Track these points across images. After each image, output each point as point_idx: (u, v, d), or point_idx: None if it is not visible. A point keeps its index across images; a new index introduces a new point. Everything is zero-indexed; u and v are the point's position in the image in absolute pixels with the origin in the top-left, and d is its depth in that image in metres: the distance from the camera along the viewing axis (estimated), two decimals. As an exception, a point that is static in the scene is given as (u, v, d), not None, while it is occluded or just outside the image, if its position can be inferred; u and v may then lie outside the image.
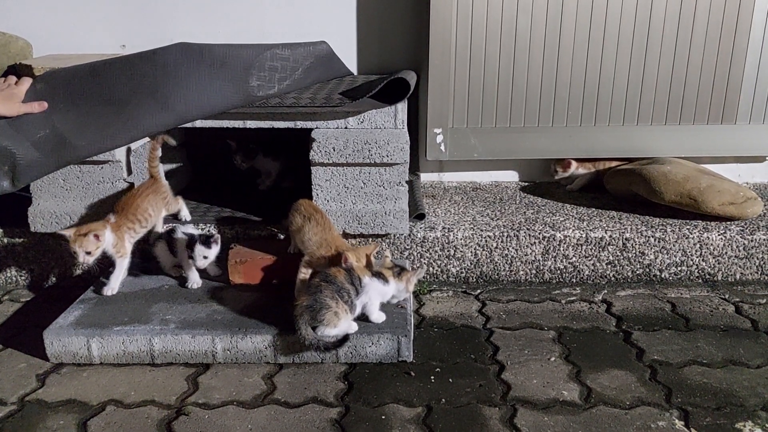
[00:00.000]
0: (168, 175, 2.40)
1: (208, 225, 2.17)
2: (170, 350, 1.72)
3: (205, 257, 1.91)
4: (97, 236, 1.80)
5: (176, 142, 2.04)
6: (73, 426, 1.50)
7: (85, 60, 1.94)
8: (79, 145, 1.78)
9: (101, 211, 1.98)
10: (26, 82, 1.74)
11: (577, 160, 2.56)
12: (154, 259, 2.05)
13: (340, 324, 1.67)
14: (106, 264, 1.94)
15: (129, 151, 2.09)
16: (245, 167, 2.47)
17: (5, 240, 2.19)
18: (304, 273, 1.84)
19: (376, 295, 1.73)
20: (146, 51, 1.88)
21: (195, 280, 1.97)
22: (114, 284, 1.92)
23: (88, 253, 1.79)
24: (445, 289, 2.17)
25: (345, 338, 1.66)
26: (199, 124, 2.02)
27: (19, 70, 2.28)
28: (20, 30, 2.50)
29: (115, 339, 1.71)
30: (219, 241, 1.94)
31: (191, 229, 2.00)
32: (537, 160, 2.69)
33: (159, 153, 2.05)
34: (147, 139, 2.18)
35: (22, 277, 2.23)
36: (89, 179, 2.09)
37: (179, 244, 1.94)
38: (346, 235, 2.10)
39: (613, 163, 2.55)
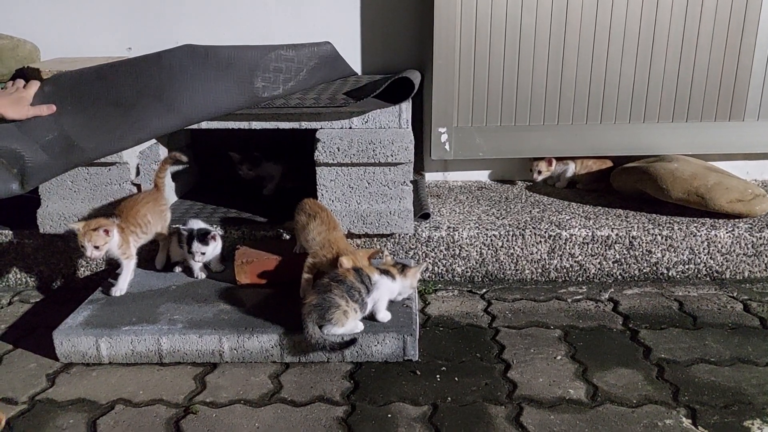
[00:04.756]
0: (174, 176, 2.43)
1: (215, 226, 2.18)
2: (178, 350, 1.73)
3: (202, 253, 1.94)
4: (106, 231, 1.83)
5: (186, 158, 2.14)
6: (82, 425, 1.52)
7: (92, 63, 1.95)
8: (87, 147, 1.80)
9: (109, 212, 2.00)
10: (34, 86, 1.76)
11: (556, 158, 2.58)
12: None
13: (348, 323, 1.67)
14: (114, 265, 1.96)
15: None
16: (252, 176, 2.49)
17: (15, 241, 2.21)
18: (309, 274, 1.85)
19: (386, 292, 1.74)
20: (152, 53, 1.89)
21: (197, 273, 2.03)
22: (122, 285, 1.94)
23: (97, 247, 1.82)
24: (451, 288, 2.17)
25: (352, 341, 1.67)
26: (205, 125, 2.04)
27: (27, 74, 2.31)
28: (28, 34, 2.52)
29: (123, 339, 1.73)
30: (218, 237, 1.96)
31: (202, 224, 2.02)
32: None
33: (168, 167, 2.12)
34: (154, 140, 2.20)
35: (32, 279, 2.26)
36: (97, 181, 2.11)
37: (182, 239, 1.99)
38: (351, 235, 2.11)
39: (590, 160, 2.57)
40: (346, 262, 1.74)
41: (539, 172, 2.58)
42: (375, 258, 1.84)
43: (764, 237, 2.15)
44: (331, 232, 1.87)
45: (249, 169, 2.46)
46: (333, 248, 1.82)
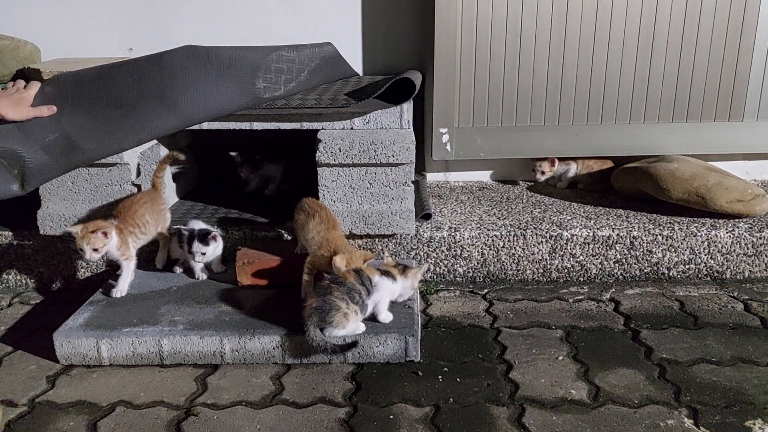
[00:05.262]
0: (175, 177, 2.43)
1: (215, 226, 2.18)
2: (179, 351, 1.73)
3: (202, 254, 1.94)
4: (105, 233, 1.82)
5: (184, 156, 2.14)
6: (83, 427, 1.51)
7: (93, 63, 1.95)
8: (88, 148, 1.79)
9: (109, 213, 2.00)
10: (35, 86, 1.75)
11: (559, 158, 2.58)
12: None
13: (349, 325, 1.67)
14: (114, 267, 1.96)
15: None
16: (252, 178, 2.49)
17: (15, 243, 2.21)
18: (309, 274, 1.84)
19: (387, 293, 1.74)
20: (153, 54, 1.89)
21: (198, 274, 2.02)
22: (122, 286, 1.93)
23: (95, 250, 1.81)
24: (452, 288, 2.17)
25: (354, 343, 1.66)
26: (206, 126, 2.03)
27: (27, 74, 2.31)
28: (28, 34, 2.52)
29: (124, 340, 1.72)
30: (218, 238, 1.96)
31: (203, 225, 2.02)
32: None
33: (167, 167, 2.12)
34: (155, 141, 2.20)
35: (32, 280, 2.25)
36: (97, 182, 2.11)
37: (182, 239, 1.98)
38: (353, 236, 2.11)
39: (592, 160, 2.58)
40: (339, 261, 1.73)
41: (542, 173, 2.58)
42: (380, 255, 1.83)
43: (764, 237, 2.15)
44: (330, 231, 1.86)
45: (250, 171, 2.46)
46: (331, 247, 1.81)
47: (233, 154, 2.44)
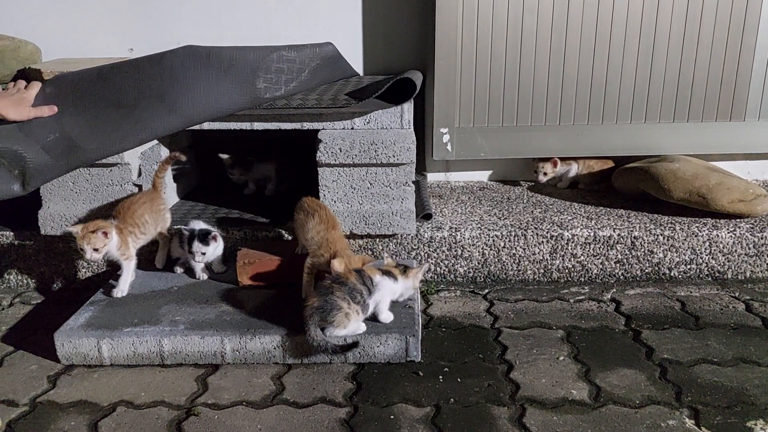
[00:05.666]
0: (176, 177, 2.43)
1: (216, 227, 2.17)
2: (180, 351, 1.73)
3: (203, 253, 1.94)
4: (105, 233, 1.82)
5: (186, 157, 2.13)
6: (84, 427, 1.51)
7: (94, 64, 1.95)
8: (89, 148, 1.80)
9: (110, 213, 2.00)
10: (36, 87, 1.75)
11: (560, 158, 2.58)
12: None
13: (350, 325, 1.67)
14: (115, 267, 1.96)
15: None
16: (243, 180, 2.48)
17: (16, 243, 2.21)
18: (309, 275, 1.84)
19: (388, 293, 1.74)
20: (154, 54, 1.89)
21: (199, 273, 2.02)
22: (123, 286, 1.93)
23: (96, 250, 1.81)
24: (453, 288, 2.16)
25: (354, 344, 1.66)
26: (207, 126, 2.03)
27: (28, 75, 2.31)
28: (29, 34, 2.52)
29: (125, 340, 1.72)
30: (219, 238, 1.96)
31: (203, 225, 2.02)
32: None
33: (168, 167, 2.12)
34: (156, 141, 2.20)
35: (33, 280, 2.25)
36: (98, 182, 2.11)
37: (183, 239, 1.98)
38: (353, 236, 2.11)
39: (592, 160, 2.58)
40: (337, 265, 1.73)
41: (545, 174, 2.58)
42: (381, 255, 1.83)
43: (766, 237, 2.15)
44: (329, 232, 1.86)
45: (241, 173, 2.45)
46: (331, 248, 1.81)
47: (224, 156, 2.44)
